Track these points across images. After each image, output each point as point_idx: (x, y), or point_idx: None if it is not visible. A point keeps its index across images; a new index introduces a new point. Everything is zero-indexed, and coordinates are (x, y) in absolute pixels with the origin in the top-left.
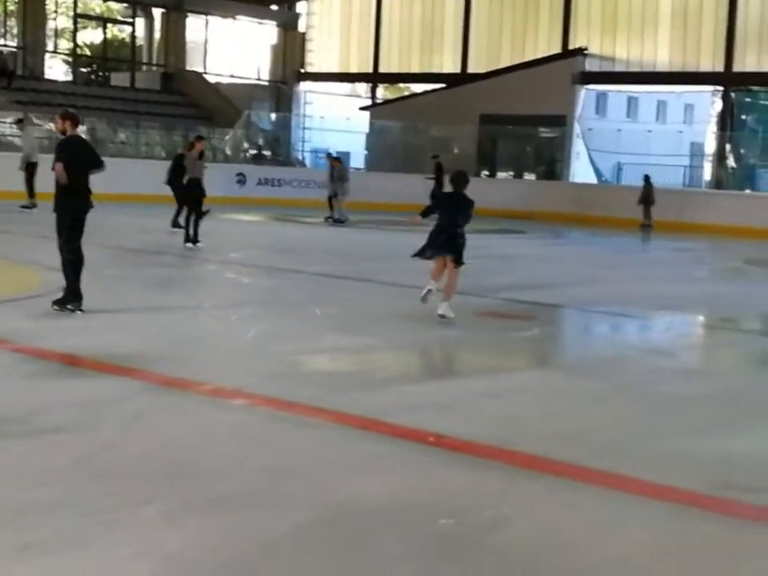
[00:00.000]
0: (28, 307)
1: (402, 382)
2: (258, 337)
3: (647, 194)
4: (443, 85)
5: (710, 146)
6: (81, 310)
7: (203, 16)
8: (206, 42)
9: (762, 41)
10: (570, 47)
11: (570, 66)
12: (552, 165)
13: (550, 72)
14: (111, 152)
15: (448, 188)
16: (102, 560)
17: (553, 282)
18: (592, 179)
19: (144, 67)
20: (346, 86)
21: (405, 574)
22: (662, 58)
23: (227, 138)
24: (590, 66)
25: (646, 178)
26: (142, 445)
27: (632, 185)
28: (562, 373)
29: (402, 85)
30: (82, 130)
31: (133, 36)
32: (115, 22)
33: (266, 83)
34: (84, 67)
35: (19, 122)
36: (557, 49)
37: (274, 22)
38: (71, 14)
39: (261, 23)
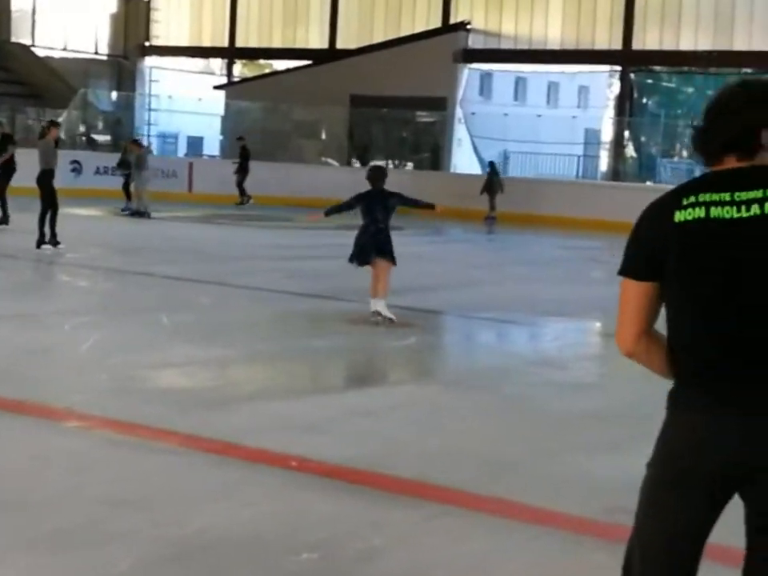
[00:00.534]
0: None
1: (263, 398)
2: (95, 348)
3: (491, 183)
4: (309, 62)
5: (607, 133)
6: None
7: None
8: (33, 10)
9: (664, 15)
10: (452, 21)
11: (450, 42)
12: (432, 153)
13: (429, 49)
14: None
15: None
16: None
17: (432, 284)
18: (476, 169)
19: None
20: (197, 62)
21: None
22: (554, 35)
23: (60, 119)
24: (474, 42)
25: (491, 165)
26: None
27: (520, 176)
28: (442, 386)
29: (262, 61)
30: None
31: None
32: None
33: (105, 58)
34: None
35: None
36: (436, 23)
37: None
38: None
39: None
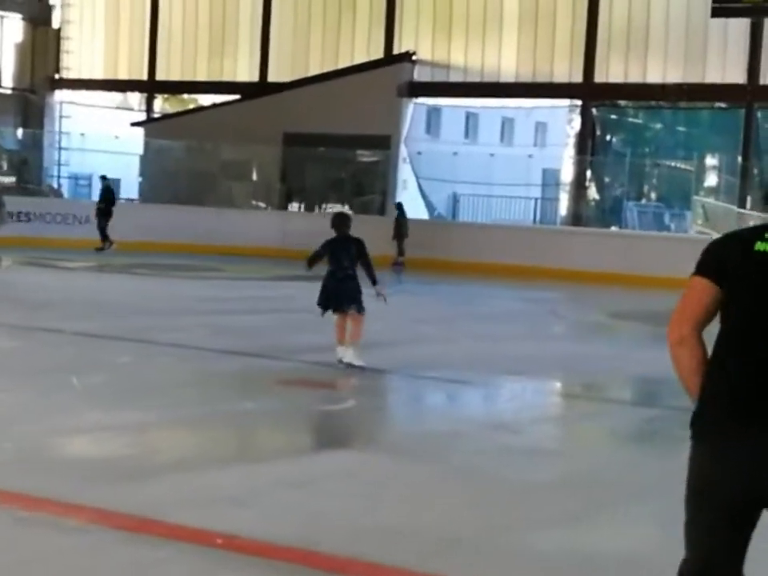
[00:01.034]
0: None
1: (184, 469)
2: None
3: (399, 226)
4: (237, 96)
5: (567, 174)
6: None
7: None
8: None
9: (629, 46)
10: (395, 52)
11: (394, 74)
12: (373, 196)
13: (370, 82)
14: None
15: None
16: None
17: (373, 341)
18: (422, 214)
19: None
20: (114, 97)
21: None
22: (508, 66)
23: None
24: (420, 74)
25: (399, 207)
26: None
27: (471, 221)
28: (383, 454)
29: (185, 96)
30: None
31: None
32: None
33: (10, 92)
34: None
35: None
36: (378, 54)
37: (19, 15)
38: None
39: (1, 16)
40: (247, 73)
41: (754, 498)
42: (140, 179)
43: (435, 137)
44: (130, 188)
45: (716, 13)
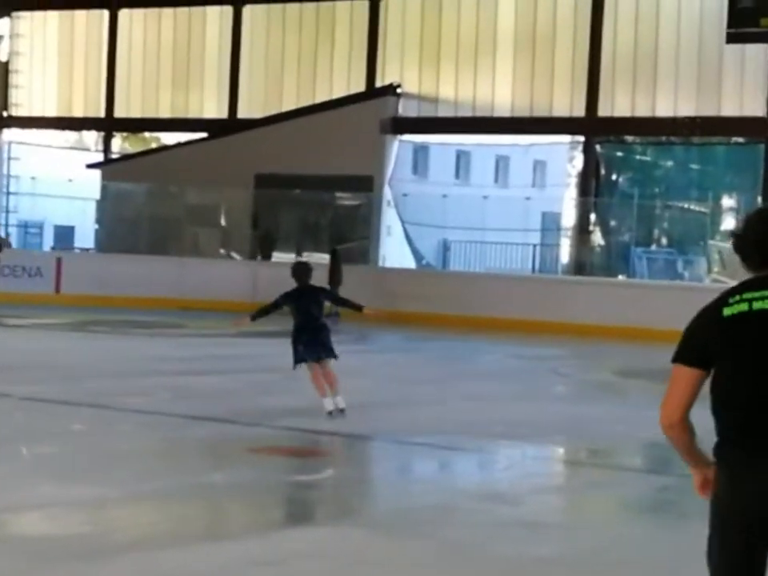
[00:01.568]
0: None
1: (146, 548)
2: None
3: (333, 273)
4: (204, 134)
5: (569, 217)
6: None
7: None
8: None
9: (636, 77)
10: (378, 85)
11: (377, 109)
12: (355, 243)
13: (351, 118)
14: None
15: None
16: None
17: (356, 403)
18: (409, 263)
19: None
20: (68, 136)
21: None
22: (503, 100)
23: None
24: (405, 109)
25: (333, 252)
26: None
27: (463, 270)
28: (366, 530)
29: (147, 134)
30: None
31: None
32: None
33: None
34: None
35: None
36: (359, 87)
37: None
38: None
39: None
40: (215, 109)
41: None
42: (96, 226)
43: (423, 177)
44: (85, 236)
45: (731, 39)
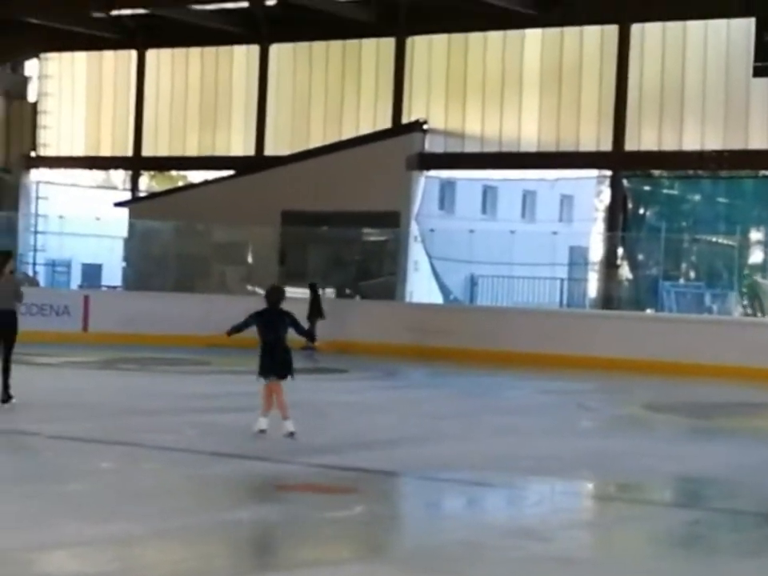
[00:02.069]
0: None
1: None
2: None
3: (313, 306)
4: (231, 172)
5: (596, 252)
6: None
7: None
8: None
9: (663, 111)
10: (404, 121)
11: (403, 145)
12: (382, 279)
13: (378, 154)
14: None
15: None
16: None
17: (383, 439)
18: (436, 298)
19: None
20: (95, 175)
21: None
22: (529, 135)
23: None
24: (432, 145)
25: (312, 286)
26: None
27: (490, 305)
28: (395, 567)
29: (174, 173)
30: None
31: None
32: None
33: None
34: None
35: None
36: (386, 124)
37: None
38: None
39: None
40: (242, 147)
41: None
42: (124, 264)
43: (449, 213)
44: (112, 274)
45: (758, 72)
